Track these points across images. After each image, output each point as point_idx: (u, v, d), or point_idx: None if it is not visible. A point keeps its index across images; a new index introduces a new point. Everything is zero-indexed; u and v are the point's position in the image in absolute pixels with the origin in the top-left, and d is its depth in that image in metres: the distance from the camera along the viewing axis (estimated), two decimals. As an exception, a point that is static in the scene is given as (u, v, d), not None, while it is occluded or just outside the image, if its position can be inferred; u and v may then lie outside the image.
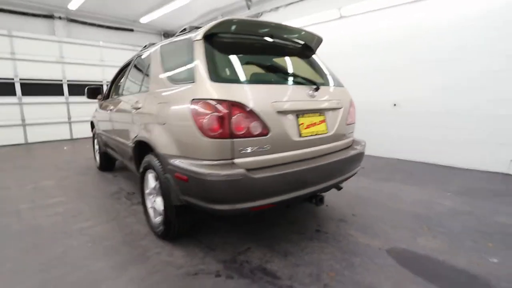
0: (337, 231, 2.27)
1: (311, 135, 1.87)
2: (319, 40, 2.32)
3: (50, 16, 7.14)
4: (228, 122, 1.51)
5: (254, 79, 1.75)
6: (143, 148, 2.24)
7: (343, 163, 2.00)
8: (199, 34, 1.79)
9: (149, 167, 2.10)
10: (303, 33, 2.14)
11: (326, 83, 2.12)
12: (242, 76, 1.70)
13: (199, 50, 1.72)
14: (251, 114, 1.57)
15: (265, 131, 1.62)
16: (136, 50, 8.69)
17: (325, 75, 2.24)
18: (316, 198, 1.93)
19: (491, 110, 3.80)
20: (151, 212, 2.24)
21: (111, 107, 3.04)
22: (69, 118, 7.54)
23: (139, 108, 2.18)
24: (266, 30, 2.00)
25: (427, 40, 4.27)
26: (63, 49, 7.24)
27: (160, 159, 1.82)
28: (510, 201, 2.87)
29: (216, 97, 1.52)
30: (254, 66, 1.84)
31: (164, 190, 1.86)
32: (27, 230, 2.31)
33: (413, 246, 2.04)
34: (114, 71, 8.10)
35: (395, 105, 4.78)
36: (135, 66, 2.79)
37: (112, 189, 3.37)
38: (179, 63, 1.96)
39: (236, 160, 1.56)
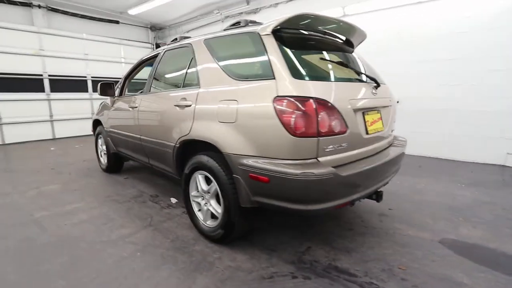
0: (384, 226, 2.32)
1: (375, 132, 1.89)
2: (363, 37, 2.33)
3: (28, 4, 6.47)
4: (316, 120, 1.47)
5: (329, 76, 1.72)
6: (190, 148, 2.12)
7: (400, 158, 2.06)
8: (267, 27, 1.71)
9: (200, 168, 2.00)
10: (357, 30, 2.13)
11: (378, 81, 2.14)
12: (318, 73, 1.66)
13: (272, 45, 1.65)
14: (334, 112, 1.55)
15: (344, 128, 1.61)
16: (123, 44, 8.20)
17: (372, 72, 2.26)
18: (378, 194, 1.96)
19: (488, 106, 4.10)
20: (200, 215, 2.14)
21: (133, 105, 2.82)
22: (51, 116, 6.94)
23: (188, 106, 2.05)
24: (331, 26, 1.97)
25: (430, 40, 4.49)
26: (43, 41, 6.61)
27: (227, 159, 1.73)
28: (519, 190, 3.14)
29: (302, 94, 1.48)
30: (324, 63, 1.81)
31: (227, 192, 1.77)
32: (58, 242, 2.09)
33: (459, 236, 2.15)
34: (99, 65, 7.67)
35: (398, 102, 4.99)
36: (166, 61, 2.61)
37: (131, 192, 3.15)
38: (242, 58, 1.87)
39: (321, 159, 1.53)
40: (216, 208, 1.96)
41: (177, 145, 2.18)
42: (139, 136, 2.77)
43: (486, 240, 2.09)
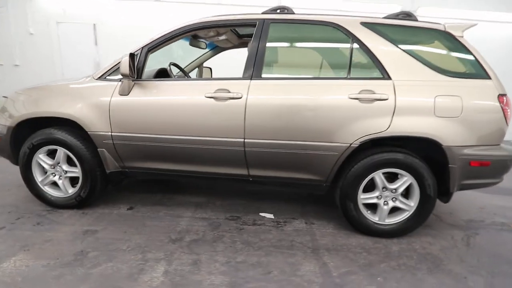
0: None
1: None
2: None
3: None
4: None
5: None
6: (363, 147, 1.93)
7: None
8: (459, 29, 1.92)
9: (385, 166, 1.92)
10: None
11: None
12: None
13: (472, 47, 1.89)
14: None
15: None
16: None
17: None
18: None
19: None
20: (371, 217, 2.03)
21: (228, 95, 1.88)
22: None
23: (381, 100, 1.81)
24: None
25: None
26: None
27: (446, 152, 1.82)
28: None
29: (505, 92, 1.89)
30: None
31: (430, 183, 1.89)
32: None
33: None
34: None
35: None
36: (281, 38, 1.97)
37: (191, 224, 2.15)
38: (436, 53, 1.97)
39: (499, 142, 2.02)
40: (406, 202, 1.97)
41: (354, 145, 1.87)
42: (240, 140, 1.95)
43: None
